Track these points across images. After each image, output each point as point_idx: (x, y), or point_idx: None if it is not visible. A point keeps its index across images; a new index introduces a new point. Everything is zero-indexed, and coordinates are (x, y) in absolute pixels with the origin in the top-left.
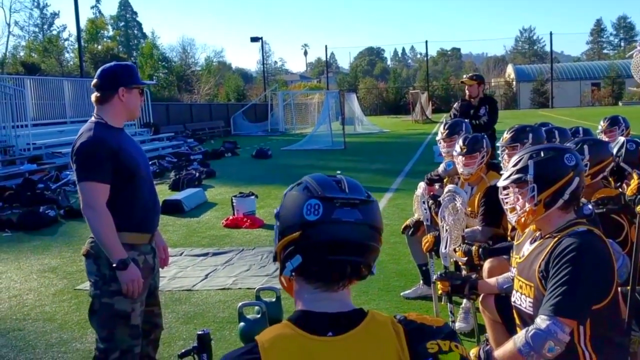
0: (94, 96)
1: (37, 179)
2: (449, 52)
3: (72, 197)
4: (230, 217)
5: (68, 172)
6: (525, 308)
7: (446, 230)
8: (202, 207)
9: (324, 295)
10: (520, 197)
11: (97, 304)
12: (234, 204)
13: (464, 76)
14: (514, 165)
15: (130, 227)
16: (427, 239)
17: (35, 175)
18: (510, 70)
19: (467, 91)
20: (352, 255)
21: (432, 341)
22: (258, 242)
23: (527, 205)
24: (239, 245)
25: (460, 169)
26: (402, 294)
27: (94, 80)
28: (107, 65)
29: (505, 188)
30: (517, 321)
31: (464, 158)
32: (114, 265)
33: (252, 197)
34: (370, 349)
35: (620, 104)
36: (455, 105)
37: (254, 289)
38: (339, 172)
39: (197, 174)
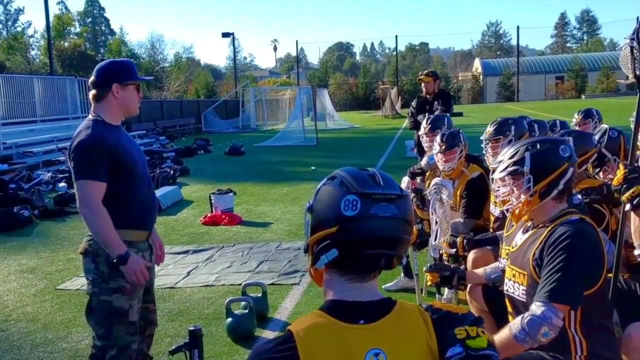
0: (91, 94)
1: (8, 179)
2: (417, 47)
3: (46, 197)
4: (209, 215)
5: (40, 172)
6: (518, 296)
7: (436, 222)
8: (179, 204)
9: (356, 285)
10: (515, 188)
11: (95, 302)
12: (212, 201)
13: (420, 73)
14: (510, 158)
15: (128, 224)
16: None
17: (6, 175)
18: (477, 64)
19: (423, 87)
20: (387, 249)
21: (460, 327)
22: (237, 238)
23: (522, 196)
24: (218, 243)
25: (441, 166)
26: (383, 286)
27: (91, 78)
28: (103, 62)
29: (498, 180)
30: (510, 309)
31: (443, 155)
32: (115, 260)
33: (230, 194)
34: (400, 335)
35: (583, 97)
36: (413, 103)
37: (238, 285)
38: (313, 167)
39: (171, 172)
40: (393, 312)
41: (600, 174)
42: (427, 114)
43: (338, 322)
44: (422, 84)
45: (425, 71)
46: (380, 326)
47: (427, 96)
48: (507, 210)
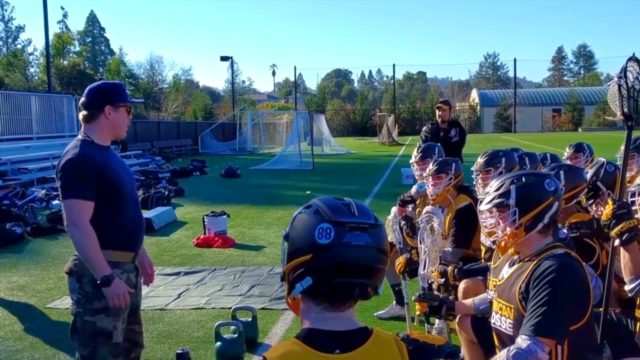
0: (81, 114)
1: (2, 195)
2: (415, 76)
3: (40, 214)
4: (201, 236)
5: (34, 189)
6: (505, 329)
7: (424, 251)
8: (172, 225)
9: (332, 315)
10: (501, 221)
11: (79, 322)
12: (206, 222)
13: (438, 101)
14: (496, 190)
15: (114, 245)
16: (399, 261)
17: (0, 191)
18: (474, 94)
19: (439, 115)
20: (361, 277)
21: (436, 359)
22: (230, 261)
23: (507, 228)
24: (210, 265)
25: (428, 190)
26: (375, 314)
27: (82, 99)
28: (95, 83)
29: (485, 212)
30: (497, 342)
31: (431, 178)
32: (98, 282)
33: (224, 216)
34: None
35: (580, 130)
36: (424, 129)
37: (228, 308)
38: (308, 192)
39: (166, 193)
40: (369, 341)
41: (593, 205)
42: (442, 141)
43: (313, 351)
44: (438, 112)
45: (442, 99)
46: (355, 356)
47: (440, 123)
48: (493, 242)
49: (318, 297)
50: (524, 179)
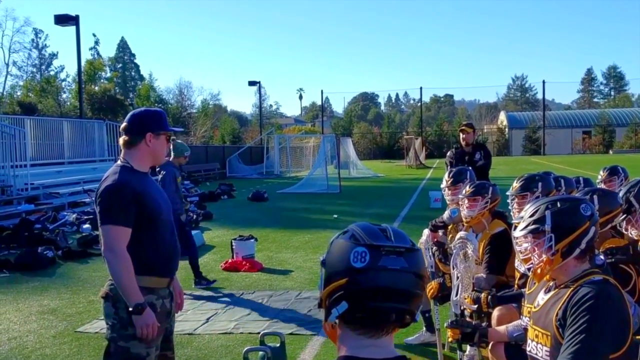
0: (121, 140)
1: (34, 219)
2: (442, 99)
3: (70, 238)
4: (229, 260)
5: (65, 213)
6: (541, 357)
7: (457, 277)
8: (200, 249)
9: (369, 342)
10: (536, 247)
11: (113, 347)
12: (234, 246)
13: (462, 124)
14: (531, 216)
15: (150, 271)
16: (431, 286)
17: (33, 215)
18: (502, 117)
19: (463, 139)
20: (397, 302)
21: None
22: (258, 285)
23: (543, 255)
24: (238, 289)
25: (463, 212)
26: (405, 340)
27: (123, 124)
28: (137, 110)
29: (520, 238)
30: None
31: (467, 200)
32: (131, 309)
33: (252, 240)
34: None
35: (611, 152)
36: (449, 154)
37: (256, 333)
38: (335, 215)
39: (194, 216)
40: None
41: (624, 222)
42: (468, 164)
43: None
44: (462, 135)
45: (465, 122)
46: None
47: (466, 147)
48: (528, 269)
49: (354, 322)
50: (559, 204)
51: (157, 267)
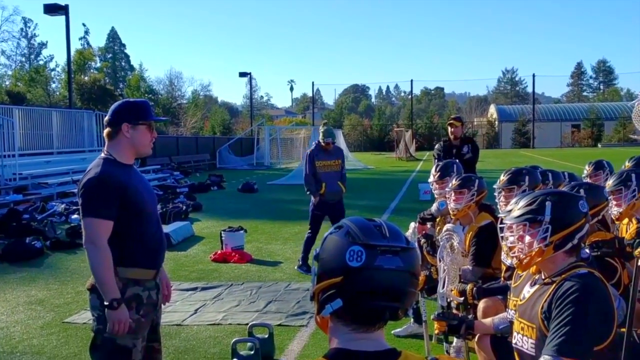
0: (105, 132)
1: (22, 210)
2: (433, 92)
3: (59, 229)
4: (218, 252)
5: (54, 203)
6: (527, 349)
7: (444, 270)
8: (190, 240)
9: (361, 335)
10: (529, 236)
11: (100, 339)
12: (223, 238)
13: (450, 117)
14: (528, 205)
15: (136, 262)
16: None
17: (21, 205)
18: (492, 110)
19: (451, 132)
20: (391, 301)
21: None
22: (247, 277)
23: (535, 244)
24: (227, 280)
25: (450, 205)
26: (393, 332)
27: (106, 117)
28: (118, 102)
29: (509, 226)
30: None
31: (453, 193)
32: (106, 303)
33: (241, 231)
34: None
35: (599, 145)
36: (437, 147)
37: (245, 324)
38: None
39: (184, 207)
40: None
41: (611, 196)
42: (455, 158)
43: None
44: (450, 129)
45: (454, 116)
46: None
47: (452, 140)
48: (513, 257)
49: (348, 318)
50: (560, 197)
51: (143, 259)
